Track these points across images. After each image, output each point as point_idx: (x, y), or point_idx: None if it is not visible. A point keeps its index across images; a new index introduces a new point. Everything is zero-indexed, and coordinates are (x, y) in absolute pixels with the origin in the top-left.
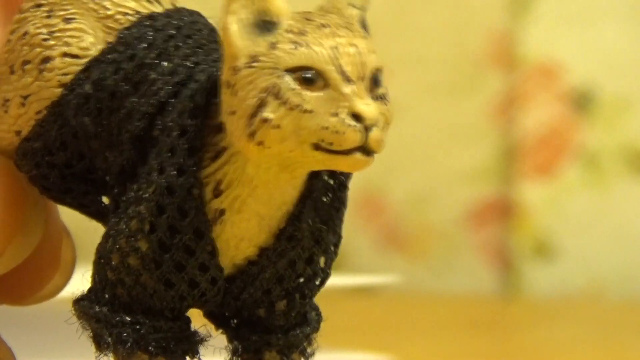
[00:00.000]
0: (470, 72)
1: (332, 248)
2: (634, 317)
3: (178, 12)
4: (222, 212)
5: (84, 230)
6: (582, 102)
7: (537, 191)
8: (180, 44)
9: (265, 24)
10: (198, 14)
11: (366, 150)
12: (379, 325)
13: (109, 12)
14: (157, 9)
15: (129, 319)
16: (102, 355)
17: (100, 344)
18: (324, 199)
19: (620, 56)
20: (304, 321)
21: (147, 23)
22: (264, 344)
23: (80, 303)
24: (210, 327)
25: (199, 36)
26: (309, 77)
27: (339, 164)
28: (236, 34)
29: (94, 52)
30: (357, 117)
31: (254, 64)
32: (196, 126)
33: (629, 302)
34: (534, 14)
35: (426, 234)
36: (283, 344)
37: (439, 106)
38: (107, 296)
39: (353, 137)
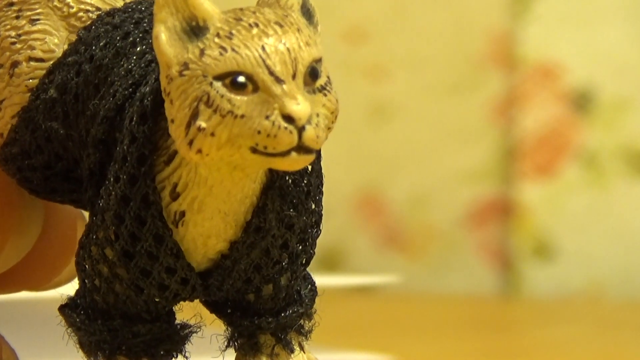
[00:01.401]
0: (470, 72)
1: (313, 228)
2: (633, 317)
3: (138, 4)
4: (182, 213)
5: None
6: (581, 102)
7: (537, 191)
8: (137, 40)
9: (193, 29)
10: None
11: (302, 148)
12: (379, 325)
13: (72, 10)
14: (119, 3)
15: (106, 326)
16: (87, 357)
17: (85, 350)
18: (290, 186)
19: (620, 56)
20: (295, 300)
21: (105, 20)
22: (256, 328)
23: (64, 310)
24: (204, 314)
25: None
26: (239, 81)
27: (278, 165)
28: (165, 43)
29: (57, 53)
30: (288, 118)
31: (185, 72)
32: (144, 132)
33: (629, 302)
34: (534, 14)
35: (426, 234)
36: (275, 326)
37: (439, 106)
38: (86, 301)
39: (286, 139)
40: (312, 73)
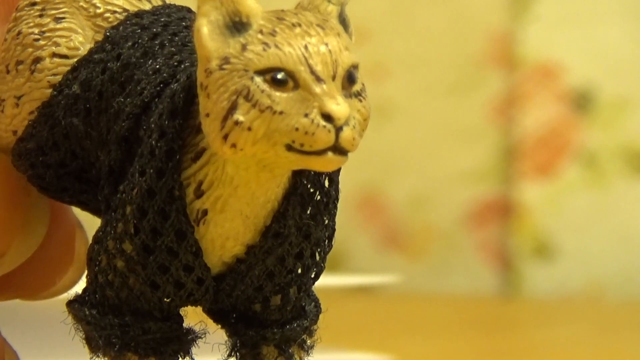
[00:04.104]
0: (470, 72)
1: (325, 242)
2: (633, 317)
3: (166, 9)
4: (204, 212)
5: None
6: (581, 102)
7: (537, 191)
8: (166, 42)
9: (236, 25)
10: (187, 9)
11: (338, 149)
12: (379, 325)
13: (99, 11)
14: (146, 6)
15: (117, 321)
16: (94, 356)
17: (91, 346)
18: (312, 194)
19: (620, 56)
20: (300, 314)
21: (134, 21)
22: (260, 339)
23: (73, 305)
24: (207, 323)
25: (185, 33)
26: (280, 78)
27: (312, 164)
28: (207, 36)
29: (82, 51)
30: (327, 117)
31: (225, 66)
32: (174, 128)
33: (629, 302)
34: (534, 14)
35: (426, 234)
36: (280, 338)
37: (439, 106)
38: (97, 297)
39: (324, 137)
40: (350, 78)
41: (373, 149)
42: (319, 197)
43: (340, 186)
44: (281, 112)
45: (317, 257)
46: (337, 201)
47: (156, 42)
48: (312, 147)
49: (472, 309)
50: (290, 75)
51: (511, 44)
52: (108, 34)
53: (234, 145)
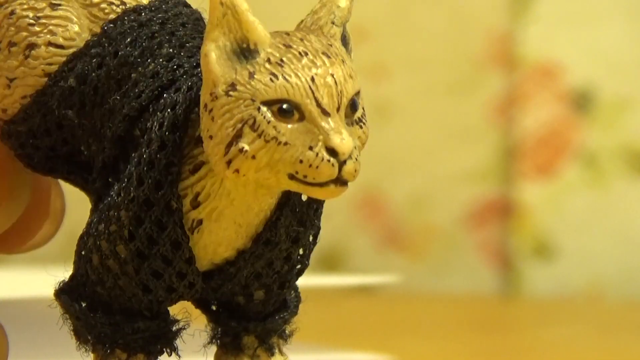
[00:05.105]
0: (470, 72)
1: (310, 239)
2: (633, 317)
3: (162, 4)
4: (199, 222)
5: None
6: (581, 102)
7: (537, 191)
8: (164, 42)
9: (244, 51)
10: (184, 3)
11: (340, 181)
12: (379, 325)
13: (95, 0)
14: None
15: (107, 320)
16: (81, 347)
17: (79, 338)
18: (303, 202)
19: (620, 56)
20: (282, 306)
21: (132, 17)
22: (242, 330)
23: (62, 297)
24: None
25: (182, 32)
26: (286, 109)
27: (313, 193)
28: (215, 62)
29: (78, 42)
30: (332, 151)
31: (232, 93)
32: (175, 140)
33: (629, 302)
34: (534, 14)
35: (426, 234)
36: (261, 330)
37: (439, 106)
38: (87, 291)
39: (327, 171)
40: (353, 105)
41: (373, 149)
42: (309, 205)
43: None
44: (286, 143)
45: (303, 256)
46: (324, 201)
47: (154, 41)
48: (315, 179)
49: (472, 309)
50: (297, 107)
51: (511, 44)
52: (106, 28)
53: (237, 171)
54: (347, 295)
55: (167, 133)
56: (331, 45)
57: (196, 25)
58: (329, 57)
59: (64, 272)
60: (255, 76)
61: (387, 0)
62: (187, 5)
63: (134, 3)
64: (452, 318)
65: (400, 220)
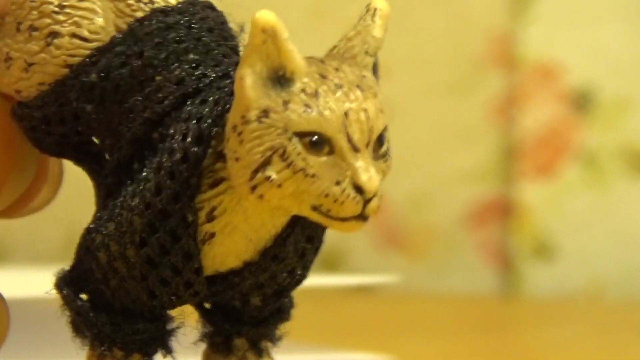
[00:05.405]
0: (470, 72)
1: (314, 254)
2: (633, 317)
3: (190, 6)
4: (212, 234)
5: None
6: (581, 102)
7: (537, 191)
8: (190, 47)
9: (279, 79)
10: (210, 6)
11: (362, 217)
12: (379, 325)
13: None
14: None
15: (108, 319)
16: (78, 339)
17: (77, 332)
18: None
19: (620, 56)
20: (277, 312)
21: (160, 18)
22: (235, 332)
23: (63, 290)
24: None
25: (208, 38)
26: (316, 142)
27: (334, 227)
28: (250, 86)
29: (102, 36)
30: (359, 188)
31: (264, 120)
32: (198, 154)
33: (629, 302)
34: (534, 14)
35: (426, 234)
36: (254, 334)
37: (439, 106)
38: (90, 287)
39: (352, 208)
40: (380, 141)
41: None
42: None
43: None
44: (313, 175)
45: (304, 268)
46: None
47: (181, 46)
48: (339, 214)
49: (472, 309)
50: (327, 140)
51: (511, 44)
52: (132, 26)
53: (261, 197)
54: (347, 295)
55: (190, 146)
56: (364, 77)
57: (222, 30)
58: (362, 90)
59: None
60: (289, 105)
61: (387, 0)
62: (214, 8)
63: (163, 3)
64: (452, 318)
65: (400, 220)
